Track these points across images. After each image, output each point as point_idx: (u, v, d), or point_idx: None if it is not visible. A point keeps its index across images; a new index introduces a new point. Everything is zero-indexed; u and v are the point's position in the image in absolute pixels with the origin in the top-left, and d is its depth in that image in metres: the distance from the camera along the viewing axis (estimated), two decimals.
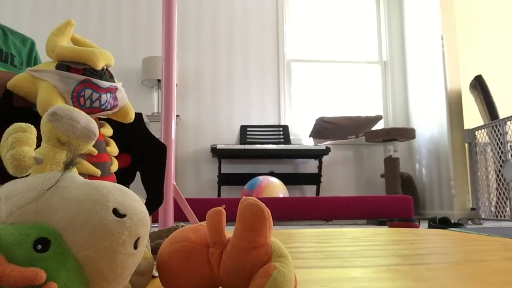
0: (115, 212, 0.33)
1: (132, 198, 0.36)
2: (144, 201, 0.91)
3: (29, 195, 0.33)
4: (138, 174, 0.87)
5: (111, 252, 0.32)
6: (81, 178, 0.38)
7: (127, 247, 0.33)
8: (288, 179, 3.56)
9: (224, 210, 0.48)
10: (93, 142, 0.50)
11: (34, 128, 0.43)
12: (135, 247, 0.34)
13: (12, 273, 0.28)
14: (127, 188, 0.37)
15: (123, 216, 0.33)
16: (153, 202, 0.88)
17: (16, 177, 0.38)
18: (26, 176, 0.39)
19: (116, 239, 0.32)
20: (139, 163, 0.85)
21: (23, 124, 0.41)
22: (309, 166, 4.00)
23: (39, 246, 0.30)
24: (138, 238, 0.34)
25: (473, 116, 3.46)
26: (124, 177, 0.86)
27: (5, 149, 0.40)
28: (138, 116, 0.83)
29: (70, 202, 0.33)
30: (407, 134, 3.60)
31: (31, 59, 1.15)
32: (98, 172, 0.68)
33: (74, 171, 0.47)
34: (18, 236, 0.30)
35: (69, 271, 0.31)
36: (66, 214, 0.32)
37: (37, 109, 0.68)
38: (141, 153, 0.85)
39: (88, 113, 0.71)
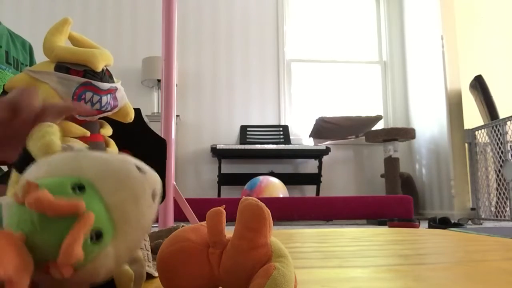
0: (137, 167, 0.40)
1: (145, 164, 0.43)
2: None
3: (69, 157, 0.41)
4: None
5: (134, 197, 0.38)
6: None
7: (147, 196, 0.39)
8: (288, 179, 3.56)
9: (224, 210, 0.48)
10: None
11: (56, 125, 0.49)
12: (153, 198, 0.40)
13: (60, 202, 0.34)
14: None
15: (143, 171, 0.40)
16: None
17: None
18: None
19: (139, 186, 0.39)
20: (139, 159, 0.85)
21: (49, 122, 0.49)
22: (309, 166, 4.00)
23: (76, 190, 0.36)
24: (154, 191, 0.41)
25: (473, 116, 3.46)
26: None
27: (37, 139, 0.46)
28: (137, 111, 0.83)
29: (99, 160, 0.40)
30: (407, 134, 3.60)
31: (33, 63, 1.15)
32: (87, 132, 0.68)
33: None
34: (57, 182, 0.36)
35: (100, 212, 0.36)
36: (97, 168, 0.39)
37: None
38: (141, 148, 0.85)
39: (88, 115, 0.71)
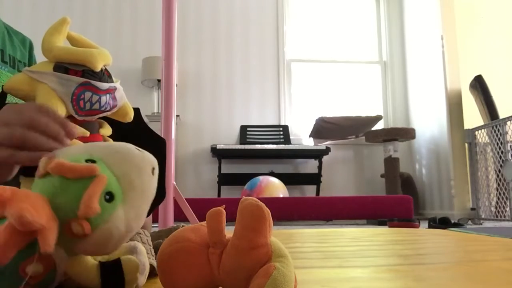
0: (137, 149, 0.48)
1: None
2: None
3: (76, 148, 0.48)
4: None
5: (137, 168, 0.46)
6: None
7: (147, 169, 0.47)
8: (288, 179, 3.56)
9: (224, 210, 0.48)
10: None
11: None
12: (152, 172, 0.48)
13: (78, 165, 0.41)
14: None
15: (141, 151, 0.48)
16: (156, 197, 0.88)
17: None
18: None
19: (140, 160, 0.46)
20: None
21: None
22: (309, 166, 4.00)
23: (89, 162, 0.43)
24: (153, 166, 0.48)
25: (473, 116, 3.46)
26: None
27: None
28: (136, 111, 0.83)
29: (105, 144, 0.49)
30: (407, 134, 3.60)
31: (32, 61, 1.13)
32: (87, 132, 0.68)
33: None
34: (72, 157, 0.43)
35: (111, 177, 0.43)
36: (103, 149, 0.46)
37: None
38: (140, 148, 0.85)
39: (87, 115, 0.71)
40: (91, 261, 0.48)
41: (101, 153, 0.45)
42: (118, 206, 0.42)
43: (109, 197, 0.42)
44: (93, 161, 0.43)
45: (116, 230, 0.42)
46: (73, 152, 0.45)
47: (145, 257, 0.52)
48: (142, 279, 0.51)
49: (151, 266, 0.61)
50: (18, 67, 1.04)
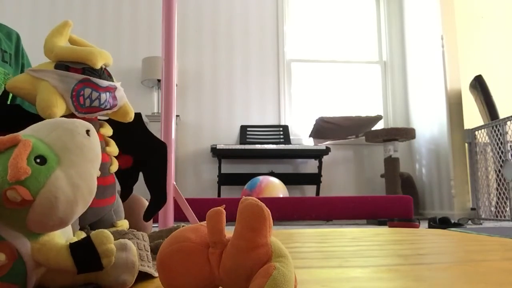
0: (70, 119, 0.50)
1: None
2: (147, 201, 0.91)
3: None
4: (140, 175, 0.87)
5: (68, 131, 0.47)
6: None
7: (80, 130, 0.48)
8: (288, 179, 3.56)
9: (224, 210, 0.48)
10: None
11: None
12: (87, 134, 0.49)
13: (1, 139, 0.42)
14: None
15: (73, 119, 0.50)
16: (157, 201, 0.88)
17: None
18: None
19: (70, 124, 0.48)
20: (140, 164, 0.85)
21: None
22: (309, 166, 4.00)
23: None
24: (88, 130, 0.49)
25: (473, 116, 3.46)
26: (126, 179, 0.86)
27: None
28: (138, 116, 0.83)
29: (39, 123, 0.50)
30: (407, 134, 3.60)
31: (19, 53, 1.11)
32: (97, 172, 0.67)
33: None
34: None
35: (39, 143, 0.44)
36: (35, 126, 0.48)
37: (37, 109, 0.67)
38: (142, 153, 0.85)
39: (87, 112, 0.71)
40: (60, 242, 0.46)
41: (31, 129, 0.47)
42: (56, 168, 0.43)
43: (40, 160, 0.42)
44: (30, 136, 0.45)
45: (60, 192, 0.42)
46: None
47: (134, 256, 0.51)
48: (130, 278, 0.50)
49: (147, 272, 0.61)
50: (4, 57, 1.04)
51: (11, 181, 0.39)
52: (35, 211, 0.41)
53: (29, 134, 0.45)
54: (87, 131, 0.49)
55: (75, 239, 0.48)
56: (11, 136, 0.42)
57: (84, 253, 0.45)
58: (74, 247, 0.45)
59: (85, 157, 0.47)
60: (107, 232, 0.47)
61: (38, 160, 0.42)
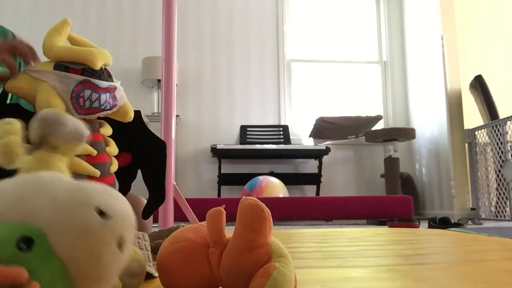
0: (99, 212, 0.33)
1: (117, 199, 0.36)
2: (146, 200, 0.91)
3: (15, 195, 0.33)
4: (139, 173, 0.87)
5: (94, 252, 0.32)
6: (68, 178, 0.38)
7: (111, 247, 0.33)
8: (288, 179, 3.56)
9: (224, 210, 0.48)
10: (82, 144, 0.51)
11: (18, 122, 0.47)
12: (119, 247, 0.34)
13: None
14: (112, 189, 0.37)
15: (107, 216, 0.33)
16: (156, 200, 0.88)
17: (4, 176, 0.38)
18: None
19: (99, 240, 0.32)
20: (139, 161, 0.85)
21: (9, 119, 0.46)
22: (309, 166, 4.00)
23: (23, 246, 0.29)
24: (122, 238, 0.34)
25: (473, 116, 3.46)
26: (124, 176, 0.86)
27: None
28: (137, 113, 0.83)
29: (55, 202, 0.33)
30: (407, 134, 3.60)
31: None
32: (97, 172, 0.67)
33: (65, 172, 0.48)
34: (1, 235, 0.29)
35: (53, 271, 0.30)
36: (51, 215, 0.32)
37: (36, 110, 0.67)
38: (141, 151, 0.85)
39: (87, 114, 0.71)
40: None
41: (45, 224, 0.31)
42: None
43: None
44: (30, 239, 0.30)
45: None
46: (3, 215, 0.32)
47: (133, 278, 0.49)
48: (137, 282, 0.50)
49: (147, 272, 0.61)
50: None
51: None
52: None
53: (44, 245, 0.31)
54: (119, 243, 0.34)
55: None
56: (10, 275, 0.28)
57: None
58: None
59: (104, 280, 0.34)
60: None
61: None
